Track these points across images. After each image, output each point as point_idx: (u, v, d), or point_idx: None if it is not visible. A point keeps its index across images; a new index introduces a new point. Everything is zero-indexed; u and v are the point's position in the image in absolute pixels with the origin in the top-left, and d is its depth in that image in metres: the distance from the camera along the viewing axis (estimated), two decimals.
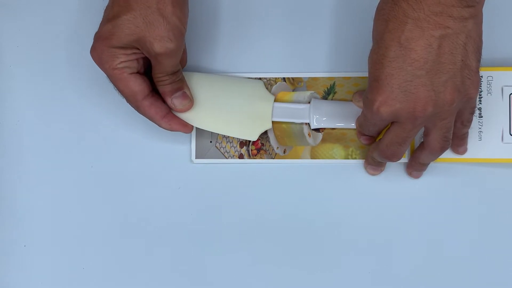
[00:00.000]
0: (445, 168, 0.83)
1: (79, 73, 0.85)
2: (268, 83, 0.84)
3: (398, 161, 0.81)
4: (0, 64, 0.86)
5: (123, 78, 0.77)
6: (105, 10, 0.76)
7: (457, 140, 0.81)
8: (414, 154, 0.80)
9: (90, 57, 0.77)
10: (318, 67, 0.84)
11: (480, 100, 0.82)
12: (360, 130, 0.80)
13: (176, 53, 0.76)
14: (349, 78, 0.84)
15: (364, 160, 0.83)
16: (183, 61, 0.82)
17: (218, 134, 0.84)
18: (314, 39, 0.84)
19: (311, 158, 0.84)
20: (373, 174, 0.83)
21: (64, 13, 0.86)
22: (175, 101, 0.79)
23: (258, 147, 0.84)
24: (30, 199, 0.85)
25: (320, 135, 0.84)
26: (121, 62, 0.76)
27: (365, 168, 0.83)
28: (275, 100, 0.84)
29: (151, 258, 0.84)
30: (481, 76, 0.82)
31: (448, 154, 0.82)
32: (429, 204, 0.83)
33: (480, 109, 0.82)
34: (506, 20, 0.84)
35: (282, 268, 0.83)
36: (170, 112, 0.80)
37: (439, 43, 0.70)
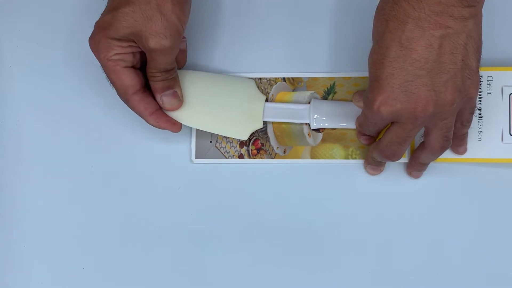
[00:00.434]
0: (445, 168, 0.83)
1: (79, 73, 0.85)
2: (268, 83, 0.84)
3: (398, 161, 0.81)
4: (0, 64, 0.86)
5: (116, 70, 0.77)
6: (108, 0, 0.76)
7: (457, 140, 0.81)
8: (414, 154, 0.80)
9: (90, 57, 0.77)
10: (318, 67, 0.84)
11: (480, 100, 0.82)
12: (360, 129, 0.80)
13: (170, 51, 0.76)
14: (349, 78, 0.84)
15: (364, 160, 0.83)
16: (181, 61, 0.82)
17: (218, 134, 0.84)
18: (314, 39, 0.84)
19: (311, 158, 0.84)
20: (373, 174, 0.83)
21: (64, 13, 0.86)
22: (164, 99, 0.79)
23: (258, 147, 0.84)
24: (30, 199, 0.85)
25: (320, 135, 0.84)
26: (116, 54, 0.76)
27: (365, 168, 0.83)
28: (275, 100, 0.84)
29: (151, 258, 0.84)
30: (481, 76, 0.82)
31: (448, 154, 0.82)
32: (429, 204, 0.83)
33: (480, 109, 0.82)
34: (506, 20, 0.84)
35: (282, 268, 0.83)
36: (159, 109, 0.80)
37: (439, 43, 0.70)
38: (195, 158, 0.84)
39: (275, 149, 0.84)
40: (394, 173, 0.83)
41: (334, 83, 0.84)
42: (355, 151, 0.83)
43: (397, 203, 0.83)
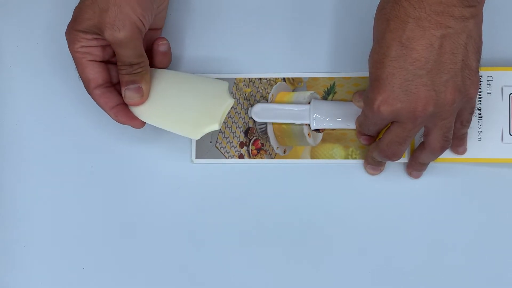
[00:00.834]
0: (445, 168, 0.83)
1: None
2: (268, 83, 0.84)
3: (398, 161, 0.81)
4: (0, 64, 0.86)
5: (82, 63, 0.78)
6: None
7: (456, 140, 0.81)
8: (414, 154, 0.80)
9: None
10: (318, 67, 0.84)
11: (480, 100, 0.82)
12: (360, 129, 0.80)
13: (127, 44, 0.76)
14: (349, 78, 0.84)
15: (364, 160, 0.83)
16: (164, 60, 0.82)
17: (218, 134, 0.84)
18: (314, 39, 0.84)
19: (311, 158, 0.84)
20: (373, 174, 0.83)
21: (64, 13, 0.85)
22: (126, 93, 0.79)
23: (258, 147, 0.84)
24: (30, 199, 0.85)
25: (320, 135, 0.84)
26: (83, 46, 0.77)
27: (365, 168, 0.83)
28: (275, 101, 0.84)
29: (151, 258, 0.84)
30: (481, 76, 0.82)
31: (448, 154, 0.82)
32: (429, 204, 0.83)
33: (480, 109, 0.82)
34: (506, 20, 0.84)
35: (282, 268, 0.83)
36: (121, 104, 0.80)
37: (440, 43, 0.70)
38: (195, 158, 0.84)
39: (275, 149, 0.84)
40: (394, 173, 0.83)
41: (334, 83, 0.84)
42: (355, 151, 0.83)
43: (397, 203, 0.83)
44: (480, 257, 0.82)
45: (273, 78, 0.84)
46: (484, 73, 0.82)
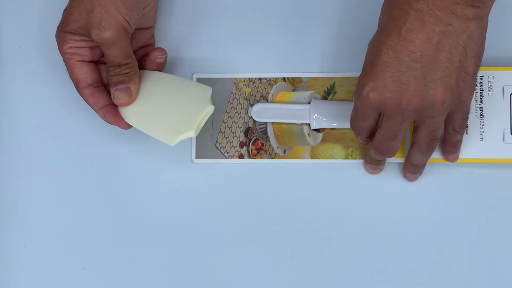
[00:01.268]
0: (445, 168, 0.82)
1: None
2: (268, 83, 0.84)
3: (398, 161, 0.81)
4: (1, 64, 0.87)
5: (71, 63, 0.79)
6: None
7: (448, 146, 0.80)
8: (407, 155, 0.80)
9: None
10: (318, 67, 0.84)
11: (481, 100, 0.82)
12: (351, 127, 0.78)
13: (114, 44, 0.77)
14: (349, 78, 0.83)
15: (363, 159, 0.83)
16: (157, 69, 0.82)
17: (218, 134, 0.84)
18: (314, 39, 0.84)
19: (311, 158, 0.84)
20: (372, 173, 0.82)
21: None
22: (115, 93, 0.79)
23: (258, 147, 0.84)
24: (30, 199, 0.85)
25: (320, 135, 0.84)
26: (71, 47, 0.78)
27: (365, 167, 0.83)
28: (275, 101, 0.84)
29: (151, 258, 0.84)
30: (482, 76, 0.82)
31: None
32: (429, 204, 0.82)
33: (481, 108, 0.82)
34: (507, 20, 0.83)
35: (282, 268, 0.83)
36: (111, 104, 0.80)
37: (438, 39, 0.69)
38: (195, 158, 0.84)
39: (275, 149, 0.84)
40: (394, 173, 0.83)
41: (334, 83, 0.84)
42: (355, 151, 0.83)
43: (397, 203, 0.82)
44: (480, 257, 0.82)
45: (273, 78, 0.84)
46: (485, 72, 0.82)
